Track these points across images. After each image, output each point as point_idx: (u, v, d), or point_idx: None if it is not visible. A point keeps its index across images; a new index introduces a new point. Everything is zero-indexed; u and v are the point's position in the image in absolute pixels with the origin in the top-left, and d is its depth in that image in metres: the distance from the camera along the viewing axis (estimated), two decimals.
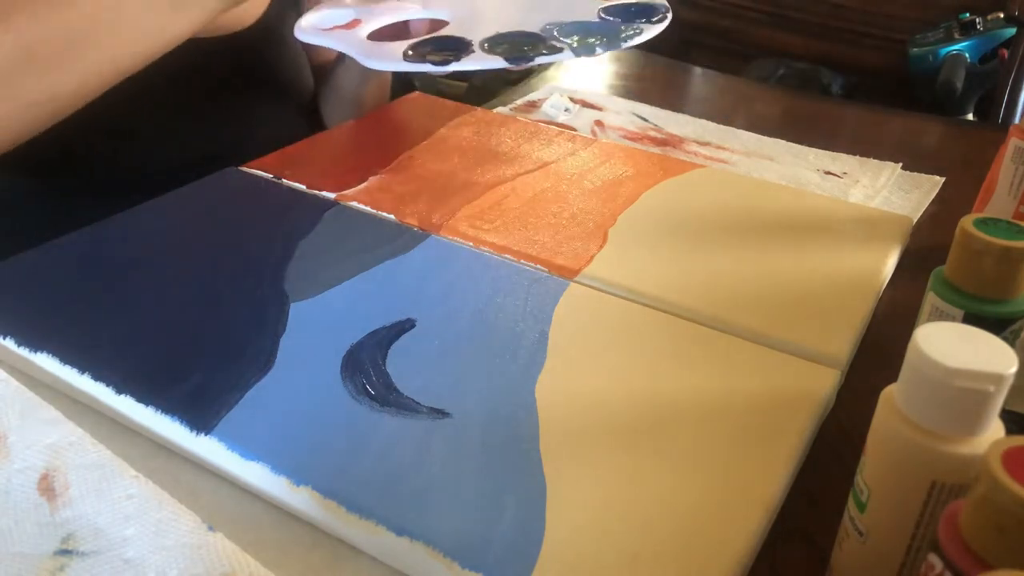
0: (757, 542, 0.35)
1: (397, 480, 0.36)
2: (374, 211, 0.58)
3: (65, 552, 0.31)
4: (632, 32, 0.59)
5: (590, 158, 0.67)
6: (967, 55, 1.44)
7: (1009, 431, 0.28)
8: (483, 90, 1.52)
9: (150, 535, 0.31)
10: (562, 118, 0.80)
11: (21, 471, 0.34)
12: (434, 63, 0.56)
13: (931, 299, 0.39)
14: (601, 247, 0.55)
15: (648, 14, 0.62)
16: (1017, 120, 1.37)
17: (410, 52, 0.57)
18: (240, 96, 0.71)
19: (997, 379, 0.27)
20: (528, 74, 0.92)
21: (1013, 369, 0.27)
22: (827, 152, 0.75)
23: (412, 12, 0.65)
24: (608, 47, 0.58)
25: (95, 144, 0.64)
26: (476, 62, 0.56)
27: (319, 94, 0.81)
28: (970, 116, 1.50)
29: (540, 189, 0.62)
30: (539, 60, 0.56)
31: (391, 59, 0.57)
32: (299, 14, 0.64)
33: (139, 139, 0.66)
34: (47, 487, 0.33)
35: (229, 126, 0.70)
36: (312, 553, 0.34)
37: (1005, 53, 1.44)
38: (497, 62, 0.56)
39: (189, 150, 0.66)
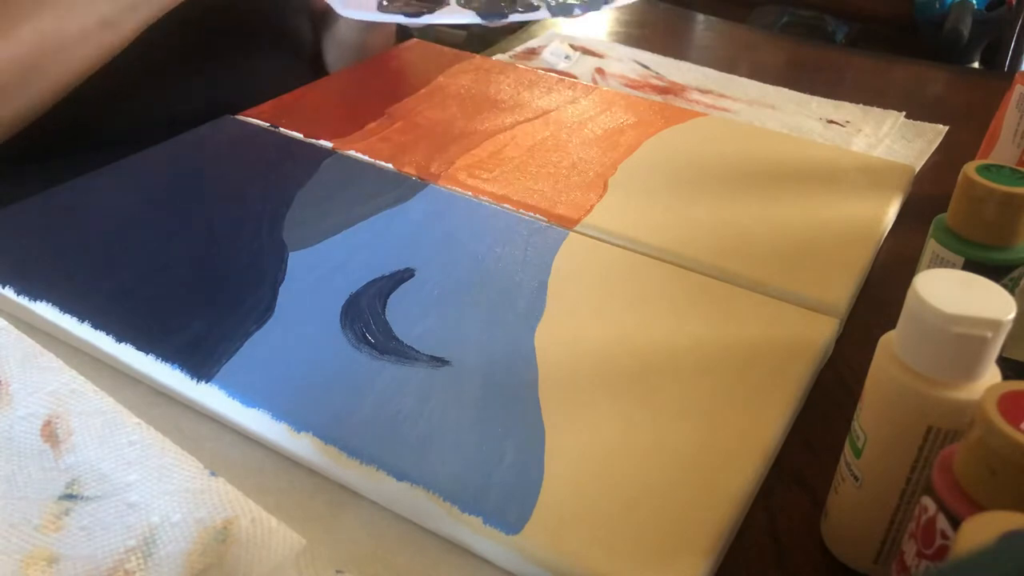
0: (754, 488, 0.35)
1: (397, 426, 0.36)
2: (372, 160, 0.57)
3: (70, 497, 0.31)
4: None
5: (590, 106, 0.67)
6: (974, 2, 1.41)
7: (1006, 378, 0.28)
8: (483, 38, 1.50)
9: (153, 480, 0.31)
10: (562, 65, 0.79)
11: (24, 418, 0.34)
12: (407, 14, 0.55)
13: (932, 246, 0.39)
14: (601, 196, 0.54)
15: None
16: (1023, 67, 1.35)
17: (385, 3, 0.56)
18: (238, 47, 0.70)
19: (995, 325, 0.27)
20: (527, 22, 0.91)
21: (1011, 316, 0.27)
22: (830, 100, 0.74)
23: None
24: (588, 8, 0.57)
25: (93, 101, 0.63)
26: (449, 16, 0.55)
27: (322, 42, 0.80)
28: (976, 64, 1.48)
29: (540, 138, 0.61)
30: (514, 17, 0.55)
31: (367, 9, 0.57)
32: None
33: (137, 94, 0.65)
34: (50, 433, 0.33)
35: (228, 78, 0.69)
36: (313, 498, 0.35)
37: (1012, 0, 1.41)
38: (470, 16, 0.55)
39: (187, 103, 0.65)
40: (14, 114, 0.54)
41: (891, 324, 0.30)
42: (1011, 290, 0.37)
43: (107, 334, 0.40)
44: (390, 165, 0.57)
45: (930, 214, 0.41)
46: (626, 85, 0.75)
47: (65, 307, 0.42)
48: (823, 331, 0.44)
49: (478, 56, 0.75)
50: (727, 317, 0.44)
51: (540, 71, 0.73)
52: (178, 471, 0.31)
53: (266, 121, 0.61)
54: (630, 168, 0.58)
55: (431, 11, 0.55)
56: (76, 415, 0.34)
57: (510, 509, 0.33)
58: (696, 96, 0.74)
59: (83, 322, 0.41)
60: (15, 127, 0.55)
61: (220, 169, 0.56)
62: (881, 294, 0.49)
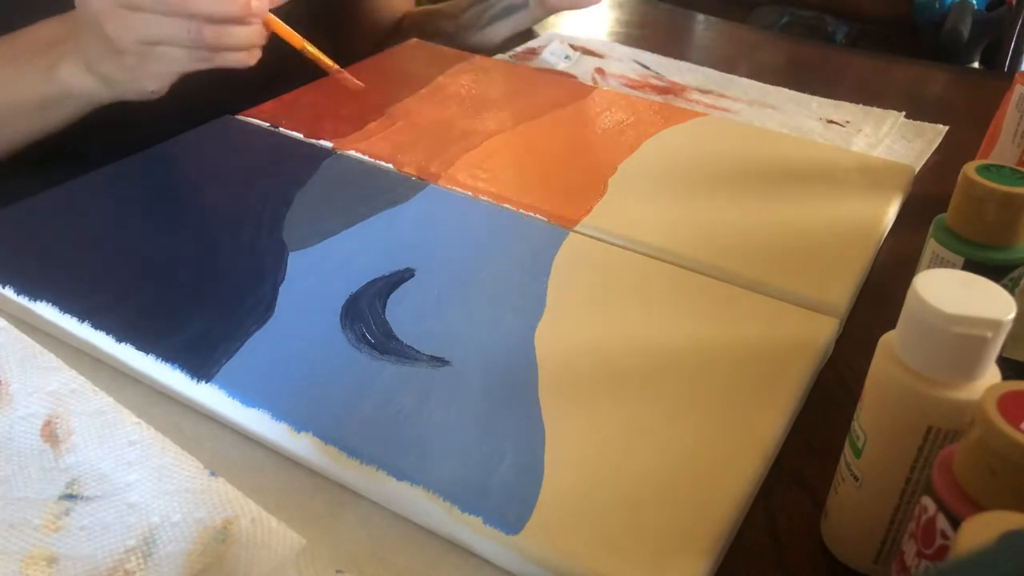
0: (754, 487, 0.35)
1: (397, 426, 0.36)
2: (372, 160, 0.57)
3: (70, 497, 0.31)
4: None
5: (590, 106, 0.67)
6: (974, 2, 1.41)
7: (1006, 378, 0.28)
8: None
9: (153, 480, 0.31)
10: (562, 65, 0.79)
11: (24, 418, 0.34)
12: None
13: (932, 246, 0.39)
14: (601, 196, 0.54)
15: None
16: (1023, 67, 1.35)
17: None
18: None
19: (995, 325, 0.27)
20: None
21: (1011, 316, 0.27)
22: (830, 100, 0.74)
23: None
24: None
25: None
26: None
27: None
28: (976, 64, 1.48)
29: (539, 138, 0.61)
30: None
31: None
32: None
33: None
34: (50, 433, 0.33)
35: (226, 77, 0.69)
36: (313, 498, 0.35)
37: (1012, 0, 1.41)
38: None
39: (187, 103, 0.65)
40: None
41: (891, 324, 0.30)
42: (1011, 290, 0.37)
43: (107, 334, 0.40)
44: (390, 165, 0.57)
45: (930, 214, 0.41)
46: (626, 85, 0.75)
47: (65, 307, 0.42)
48: (823, 331, 0.44)
49: (478, 56, 0.75)
50: (727, 317, 0.44)
51: (540, 71, 0.73)
52: (178, 471, 0.32)
53: (266, 121, 0.61)
54: (630, 168, 0.58)
55: None
56: (76, 415, 0.34)
57: (510, 509, 0.33)
58: (696, 96, 0.74)
59: (83, 322, 0.41)
60: None
61: (220, 169, 0.56)
62: (881, 294, 0.49)
